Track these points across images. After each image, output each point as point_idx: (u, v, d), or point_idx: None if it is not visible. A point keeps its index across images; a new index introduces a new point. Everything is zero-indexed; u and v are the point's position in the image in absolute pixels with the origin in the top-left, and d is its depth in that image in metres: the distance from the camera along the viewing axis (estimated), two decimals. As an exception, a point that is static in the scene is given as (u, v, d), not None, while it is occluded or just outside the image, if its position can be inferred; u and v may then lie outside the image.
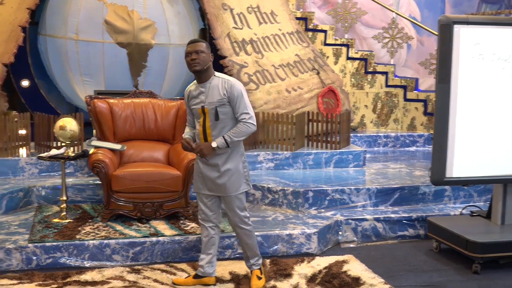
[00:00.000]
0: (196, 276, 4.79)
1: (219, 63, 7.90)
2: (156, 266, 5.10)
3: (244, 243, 4.76)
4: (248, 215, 4.75)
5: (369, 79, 9.81)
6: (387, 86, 9.81)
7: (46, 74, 8.13)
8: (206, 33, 8.32)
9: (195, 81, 4.59)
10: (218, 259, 5.27)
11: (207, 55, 4.49)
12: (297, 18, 9.36)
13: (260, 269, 4.82)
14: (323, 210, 6.24)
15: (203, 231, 4.76)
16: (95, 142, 6.03)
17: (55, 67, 7.90)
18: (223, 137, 4.46)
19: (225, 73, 7.87)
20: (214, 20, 8.00)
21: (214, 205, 4.71)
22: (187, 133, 4.70)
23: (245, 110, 4.46)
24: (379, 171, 7.41)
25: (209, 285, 4.78)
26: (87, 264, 5.12)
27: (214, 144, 4.47)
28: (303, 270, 5.10)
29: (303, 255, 5.47)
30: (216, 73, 4.57)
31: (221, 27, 7.99)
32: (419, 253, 5.68)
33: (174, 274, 4.96)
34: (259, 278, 4.78)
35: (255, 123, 4.50)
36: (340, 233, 5.95)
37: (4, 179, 6.56)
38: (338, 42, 9.85)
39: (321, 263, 5.25)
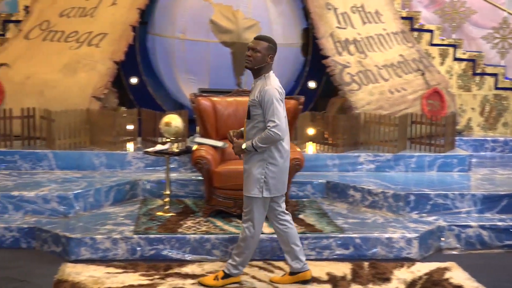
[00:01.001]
0: (291, 273, 4.80)
1: (321, 63, 7.89)
2: (254, 263, 5.15)
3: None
4: (250, 224, 4.61)
5: (477, 81, 9.45)
6: (496, 88, 9.41)
7: (154, 72, 8.41)
8: (309, 33, 8.30)
9: None
10: (316, 260, 5.27)
11: (263, 55, 4.46)
12: (402, 18, 9.15)
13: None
14: (424, 214, 6.07)
15: (275, 228, 4.82)
16: (198, 139, 6.16)
17: (162, 65, 8.17)
18: (252, 141, 4.46)
19: (327, 73, 7.86)
20: (318, 19, 7.97)
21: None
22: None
23: (272, 117, 4.38)
24: (486, 176, 7.12)
25: (307, 280, 4.75)
26: (188, 257, 5.26)
27: (243, 146, 4.51)
28: (402, 275, 4.99)
29: (402, 260, 5.35)
30: (267, 75, 4.50)
31: (325, 27, 7.96)
32: (527, 264, 5.42)
33: (272, 272, 4.99)
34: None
35: (280, 133, 4.37)
36: (442, 239, 5.77)
37: (112, 171, 6.85)
38: (445, 42, 9.55)
39: (421, 269, 5.12)
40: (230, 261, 4.72)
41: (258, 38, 4.53)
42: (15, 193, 5.85)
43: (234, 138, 4.62)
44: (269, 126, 4.38)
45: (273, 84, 4.46)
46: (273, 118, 4.37)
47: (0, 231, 5.48)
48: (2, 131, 7.12)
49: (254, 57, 4.45)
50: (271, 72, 4.56)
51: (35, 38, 7.95)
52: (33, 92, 7.39)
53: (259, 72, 4.52)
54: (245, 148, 4.50)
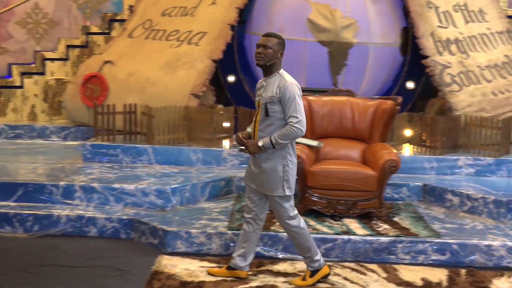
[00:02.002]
0: (229, 268, 4.78)
1: (421, 63, 7.71)
2: (346, 264, 5.11)
3: (295, 243, 4.69)
4: (292, 216, 4.57)
5: None
6: None
7: (251, 71, 8.50)
8: (409, 32, 8.13)
9: None
10: (410, 264, 5.16)
11: (274, 52, 4.41)
12: (508, 17, 8.79)
13: (313, 271, 4.69)
14: (528, 222, 5.82)
15: (243, 223, 4.76)
16: (294, 138, 6.17)
17: (259, 64, 8.23)
18: (270, 137, 4.37)
19: (426, 73, 7.67)
20: (418, 18, 7.80)
21: (260, 200, 4.64)
22: (249, 127, 4.69)
23: (294, 113, 4.32)
24: None
25: (241, 278, 4.72)
26: (280, 255, 5.28)
27: (260, 143, 4.41)
28: (502, 284, 4.79)
29: (503, 269, 5.13)
30: (281, 71, 4.47)
31: (425, 26, 7.77)
32: None
33: (365, 274, 4.93)
34: (304, 279, 4.70)
35: (303, 128, 4.33)
36: (546, 249, 5.49)
37: (208, 168, 6.99)
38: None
39: (523, 279, 4.91)
40: (307, 260, 4.71)
41: (267, 35, 4.48)
42: (116, 185, 6.09)
43: (244, 140, 4.53)
44: (291, 122, 4.34)
45: (292, 80, 4.43)
46: (296, 114, 4.34)
47: (101, 222, 5.73)
48: (106, 125, 7.42)
49: (265, 54, 4.40)
50: (282, 69, 4.53)
51: (138, 37, 8.24)
52: (135, 89, 7.67)
53: (270, 69, 4.47)
54: (262, 146, 4.43)
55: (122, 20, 9.00)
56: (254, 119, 4.59)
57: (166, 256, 5.17)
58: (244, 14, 8.31)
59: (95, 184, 6.09)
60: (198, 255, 5.23)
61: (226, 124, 7.42)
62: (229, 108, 7.58)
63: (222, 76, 8.35)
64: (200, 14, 8.05)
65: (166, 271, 4.84)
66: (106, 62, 8.08)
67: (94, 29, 9.29)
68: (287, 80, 4.42)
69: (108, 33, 9.17)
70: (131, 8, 8.88)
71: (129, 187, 6.06)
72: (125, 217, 5.74)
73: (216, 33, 7.83)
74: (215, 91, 8.02)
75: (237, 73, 8.41)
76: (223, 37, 7.82)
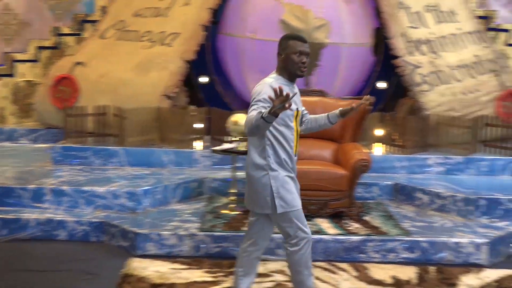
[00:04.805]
0: None
1: (392, 63, 7.76)
2: (317, 263, 5.12)
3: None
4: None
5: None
6: None
7: (223, 71, 8.49)
8: (381, 33, 8.19)
9: (274, 75, 3.93)
10: (380, 262, 5.20)
11: None
12: (479, 17, 8.88)
13: None
14: (495, 220, 5.88)
15: None
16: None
17: (231, 64, 8.24)
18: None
19: (398, 73, 7.73)
20: (389, 19, 7.86)
21: None
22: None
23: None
24: (562, 182, 6.85)
25: None
26: (251, 255, 5.28)
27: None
28: (470, 281, 4.85)
29: (470, 266, 5.19)
30: None
31: (396, 26, 7.84)
32: None
33: (335, 273, 4.96)
34: None
35: None
36: (513, 245, 5.58)
37: (180, 169, 6.97)
38: (523, 42, 9.20)
39: (490, 275, 4.96)
40: None
41: (307, 41, 3.95)
42: (87, 188, 6.04)
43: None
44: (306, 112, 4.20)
45: None
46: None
47: (71, 225, 5.68)
48: (77, 127, 7.36)
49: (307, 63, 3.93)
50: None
51: (110, 38, 8.19)
52: (107, 90, 7.61)
53: None
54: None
55: (94, 21, 8.93)
56: (294, 131, 3.92)
57: (136, 259, 5.14)
58: (217, 15, 8.30)
59: (65, 187, 6.04)
60: (169, 257, 5.21)
61: (199, 125, 7.41)
62: (202, 109, 7.56)
63: (195, 77, 8.33)
64: (173, 14, 8.02)
65: (136, 274, 4.82)
66: (78, 63, 8.02)
67: (66, 30, 9.20)
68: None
69: (80, 34, 9.10)
70: (104, 9, 8.82)
71: (100, 189, 6.01)
72: (95, 220, 5.70)
73: (189, 34, 7.82)
74: (187, 92, 8.00)
75: (210, 74, 8.41)
76: (196, 38, 7.81)
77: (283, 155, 3.86)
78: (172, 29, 7.88)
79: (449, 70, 7.77)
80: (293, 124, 3.89)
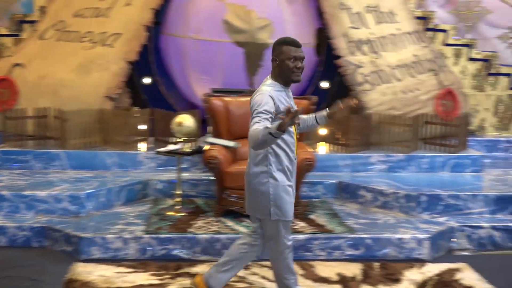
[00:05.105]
0: None
1: (334, 63, 7.86)
2: (264, 263, 5.14)
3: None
4: None
5: (491, 81, 9.37)
6: (511, 88, 9.34)
7: (166, 72, 8.43)
8: (323, 33, 8.28)
9: (270, 81, 3.91)
10: (326, 260, 5.27)
11: None
12: (417, 18, 9.10)
13: None
14: (436, 215, 6.04)
15: None
16: (210, 139, 6.17)
17: (175, 65, 8.19)
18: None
19: (340, 73, 7.84)
20: (331, 19, 7.95)
21: None
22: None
23: None
24: (499, 177, 7.07)
25: None
26: (198, 257, 5.26)
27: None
28: (413, 276, 4.97)
29: (413, 261, 5.32)
30: None
31: (338, 27, 7.93)
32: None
33: (282, 272, 4.99)
34: None
35: None
36: (453, 240, 5.73)
37: (124, 171, 6.89)
38: (459, 42, 9.47)
39: (432, 269, 5.10)
40: None
41: (301, 45, 3.97)
42: (27, 192, 5.90)
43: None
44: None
45: None
46: None
47: (12, 230, 5.53)
48: (16, 131, 7.17)
49: (303, 68, 3.94)
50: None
51: (50, 39, 8.01)
52: (47, 92, 7.44)
53: None
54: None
55: (33, 21, 8.70)
56: (294, 135, 3.94)
57: (80, 264, 5.06)
58: (160, 15, 8.24)
59: (4, 192, 5.88)
60: (114, 261, 5.14)
61: (142, 127, 7.33)
62: (145, 110, 7.48)
63: (138, 78, 8.24)
64: (114, 15, 7.90)
65: (80, 279, 4.74)
66: (16, 64, 7.80)
67: (3, 30, 8.93)
68: None
69: (18, 35, 8.86)
70: (42, 9, 8.61)
71: (41, 193, 5.87)
72: (37, 225, 5.57)
73: (131, 34, 7.72)
74: (130, 94, 7.90)
75: (153, 74, 8.33)
76: (138, 38, 7.72)
77: (285, 161, 3.91)
78: (113, 30, 7.77)
79: (389, 70, 7.92)
80: (292, 129, 3.91)
